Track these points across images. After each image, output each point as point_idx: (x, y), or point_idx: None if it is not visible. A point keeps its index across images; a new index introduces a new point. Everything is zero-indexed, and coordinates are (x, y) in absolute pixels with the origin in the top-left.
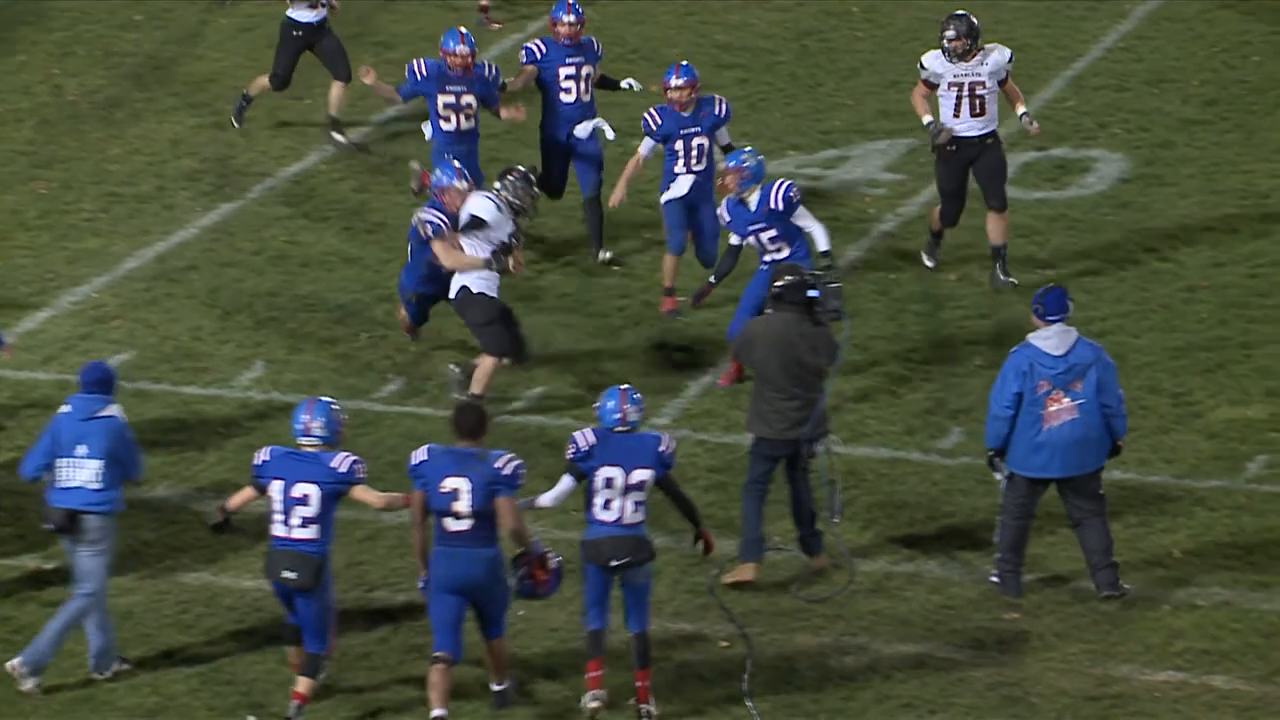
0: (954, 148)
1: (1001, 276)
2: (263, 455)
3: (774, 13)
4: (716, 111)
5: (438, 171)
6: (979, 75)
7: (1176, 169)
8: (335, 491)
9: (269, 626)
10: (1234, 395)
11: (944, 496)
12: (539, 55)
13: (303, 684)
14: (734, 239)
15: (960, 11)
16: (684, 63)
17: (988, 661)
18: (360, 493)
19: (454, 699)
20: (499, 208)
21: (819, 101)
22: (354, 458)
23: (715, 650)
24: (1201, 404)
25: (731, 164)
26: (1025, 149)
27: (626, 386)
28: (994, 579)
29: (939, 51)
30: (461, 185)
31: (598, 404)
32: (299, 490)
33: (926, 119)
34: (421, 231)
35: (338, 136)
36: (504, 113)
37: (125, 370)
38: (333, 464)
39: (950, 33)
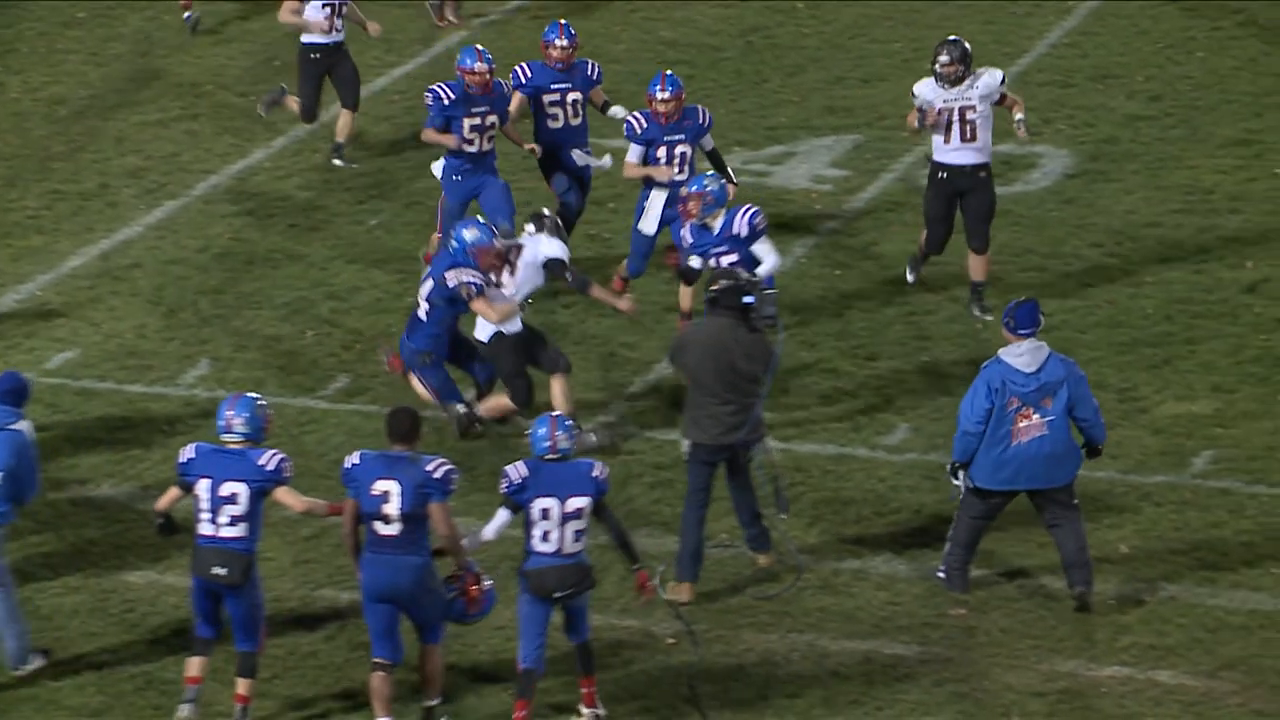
0: (944, 175)
1: (976, 311)
2: (187, 453)
3: (719, 9)
4: (700, 121)
5: (465, 234)
6: (969, 99)
7: (1121, 165)
8: (263, 490)
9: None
10: (1179, 391)
11: (890, 493)
12: (524, 80)
13: (242, 685)
14: (694, 261)
15: (953, 37)
16: (669, 72)
17: (934, 658)
18: (283, 494)
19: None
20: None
21: (764, 98)
22: (281, 455)
23: (662, 647)
24: (1147, 400)
25: (694, 189)
26: None
27: (557, 414)
28: (940, 574)
29: (930, 79)
30: (500, 245)
31: (529, 431)
32: (227, 489)
33: (914, 121)
34: (465, 294)
35: (338, 161)
36: (509, 132)
37: (70, 368)
38: (260, 461)
39: (944, 58)
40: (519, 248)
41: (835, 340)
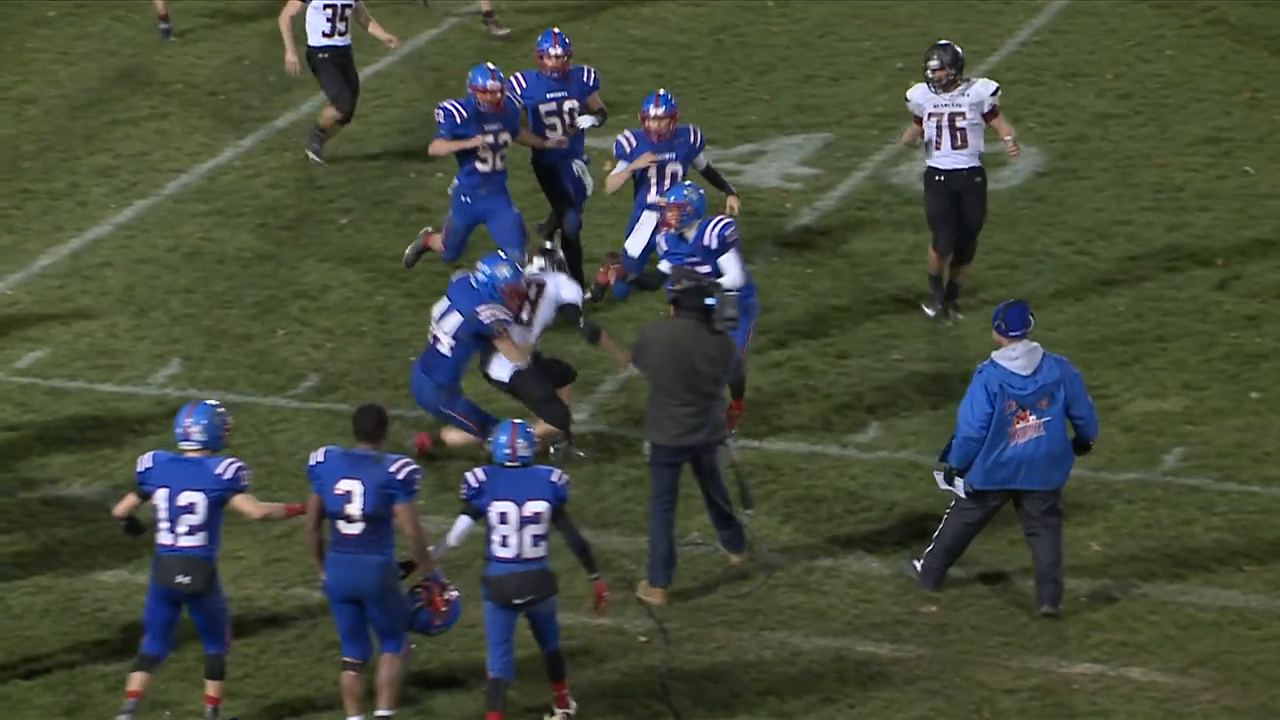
0: (941, 178)
1: (952, 310)
2: (145, 462)
3: (689, 7)
4: (692, 141)
5: (496, 270)
6: (959, 106)
7: (1091, 163)
8: (221, 499)
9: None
10: (1150, 388)
11: (862, 490)
12: (519, 90)
13: (211, 687)
14: (665, 265)
15: (944, 41)
16: (663, 91)
17: (906, 655)
18: (240, 501)
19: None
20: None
21: (734, 96)
22: (239, 464)
23: (634, 645)
24: (1118, 397)
25: (674, 199)
26: None
27: (518, 421)
28: (915, 566)
29: (923, 85)
30: (523, 283)
31: (490, 439)
32: (185, 498)
33: (904, 143)
34: (497, 330)
35: (311, 153)
36: (524, 137)
37: (40, 367)
38: (217, 470)
39: (934, 63)
40: (541, 286)
41: (806, 338)
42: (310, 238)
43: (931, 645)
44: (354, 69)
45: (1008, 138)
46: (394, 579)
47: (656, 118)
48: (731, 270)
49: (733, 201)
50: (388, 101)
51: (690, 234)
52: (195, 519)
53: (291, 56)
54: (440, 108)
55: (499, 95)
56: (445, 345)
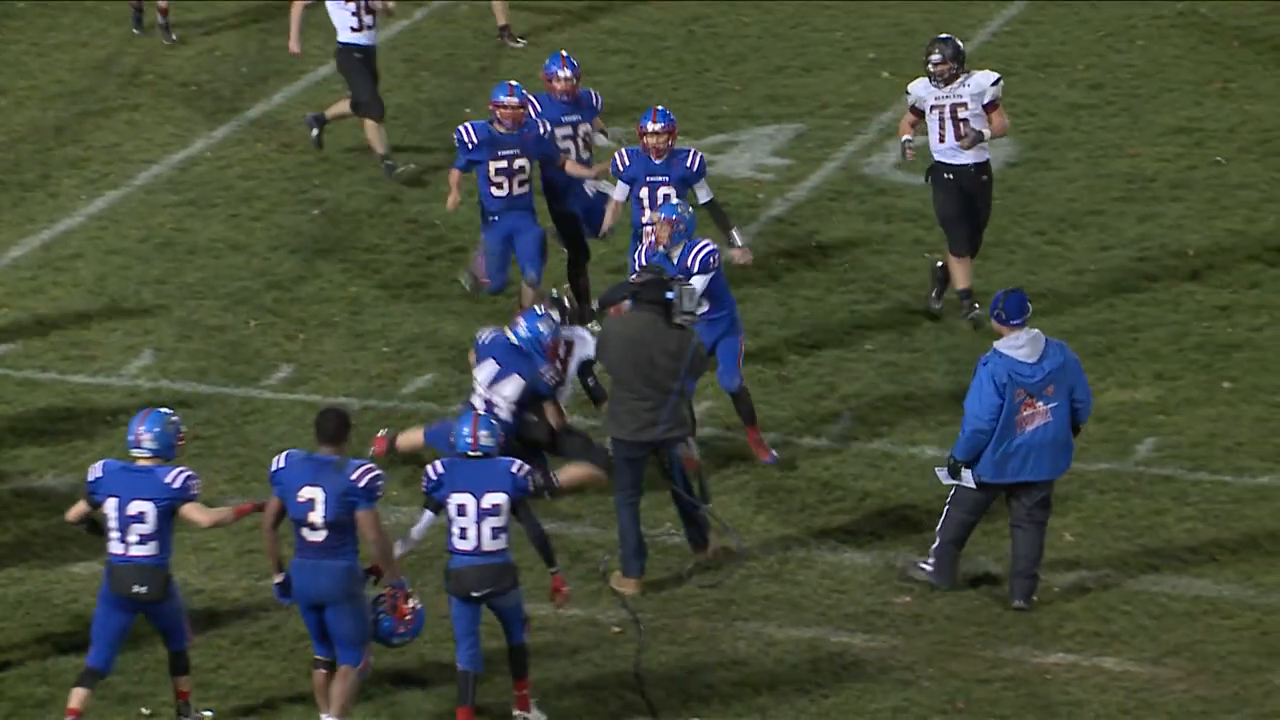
0: (950, 175)
1: (971, 312)
2: (96, 471)
3: None
4: (689, 164)
5: (540, 326)
6: (960, 97)
7: (1063, 153)
8: (170, 508)
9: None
10: (1122, 378)
11: (835, 481)
12: (535, 115)
13: (180, 682)
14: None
15: (944, 35)
16: (660, 107)
17: (880, 646)
18: (189, 510)
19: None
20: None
21: (706, 87)
22: (188, 473)
23: (607, 636)
24: (1090, 387)
25: (668, 215)
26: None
27: (480, 413)
28: (922, 566)
29: (924, 78)
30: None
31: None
32: (134, 508)
33: (904, 137)
34: (556, 391)
35: (313, 132)
36: (570, 168)
37: (12, 359)
38: (167, 480)
39: (935, 56)
40: (570, 343)
41: (779, 329)
42: (283, 228)
43: (905, 636)
44: (376, 67)
45: (987, 131)
46: (357, 585)
47: (654, 133)
48: (689, 300)
49: (736, 253)
50: None
51: (675, 254)
52: (145, 528)
53: (295, 45)
54: (456, 131)
55: (520, 111)
56: (506, 412)
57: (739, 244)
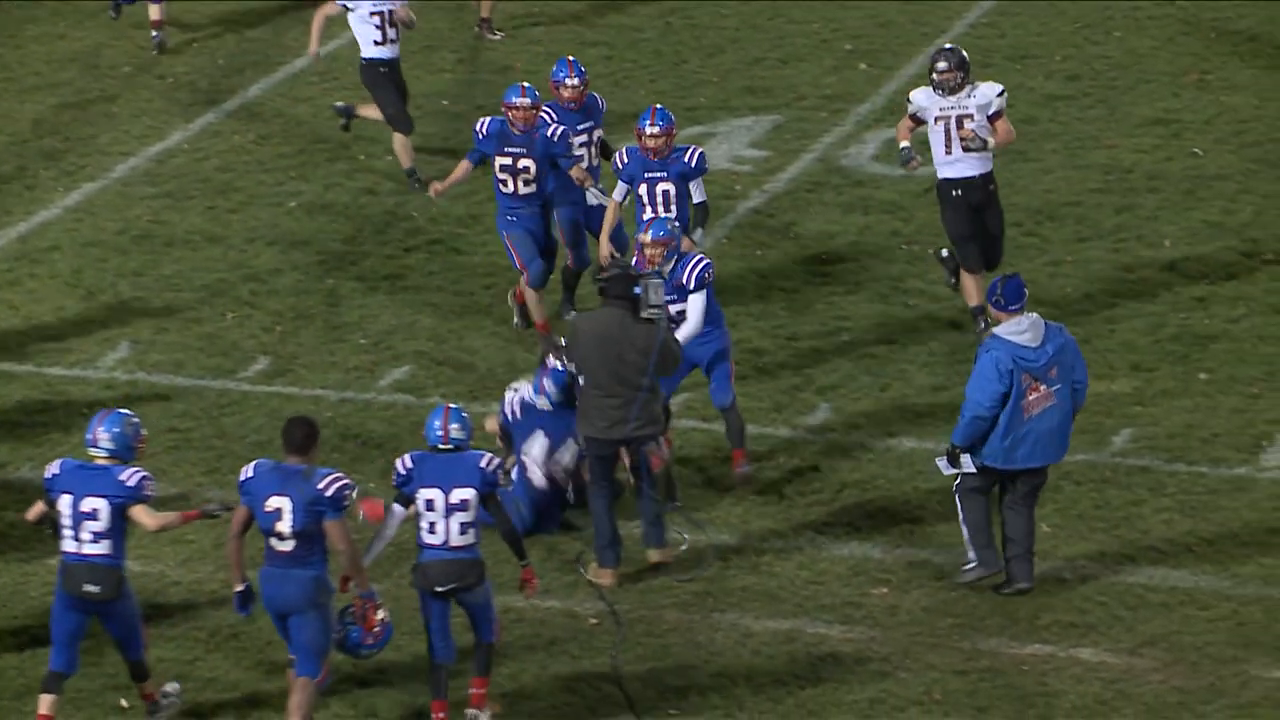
0: (958, 192)
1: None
2: (53, 469)
3: None
4: (687, 160)
5: (565, 380)
6: (966, 108)
7: (1040, 144)
8: (123, 506)
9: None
10: (1099, 370)
11: (812, 472)
12: (549, 122)
13: (145, 687)
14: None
15: (949, 45)
16: (659, 106)
17: (857, 636)
18: (138, 512)
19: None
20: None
21: (684, 78)
22: (143, 473)
23: (584, 628)
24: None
25: (661, 234)
26: (890, 125)
27: (453, 405)
28: (971, 567)
29: (926, 88)
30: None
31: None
32: (88, 505)
33: (903, 144)
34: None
35: (419, 187)
36: (576, 173)
37: None
38: (121, 477)
39: (941, 65)
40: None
41: (755, 320)
42: (259, 220)
43: (882, 627)
44: (402, 80)
45: (992, 141)
46: (324, 595)
47: (653, 135)
48: (695, 314)
49: (686, 242)
50: (336, 84)
51: (667, 270)
52: (98, 526)
53: (315, 48)
54: (474, 126)
55: (532, 113)
56: (538, 478)
57: (696, 241)
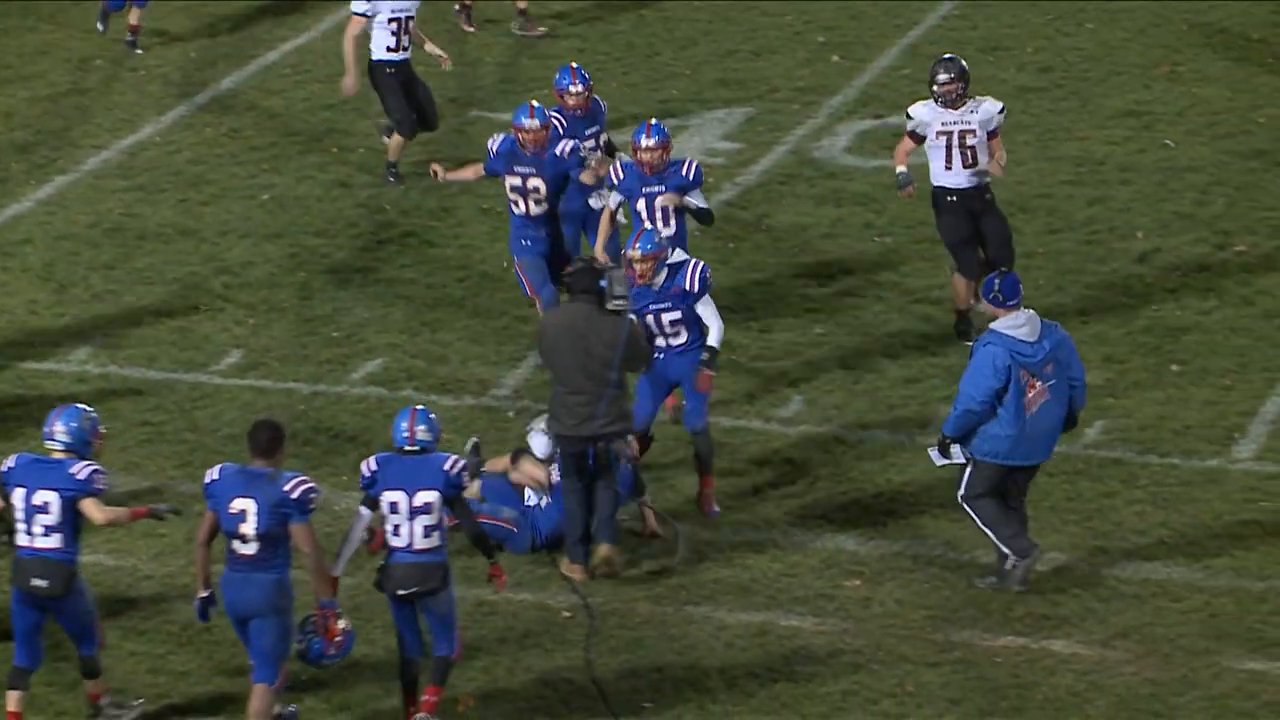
0: (954, 198)
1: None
2: (9, 462)
3: None
4: (683, 173)
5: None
6: (969, 124)
7: (1012, 136)
8: (74, 499)
9: (107, 602)
10: None
11: (785, 465)
12: (560, 131)
13: (91, 685)
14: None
15: (948, 55)
16: (654, 121)
17: (830, 629)
18: (88, 505)
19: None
20: None
21: (656, 70)
22: (95, 467)
23: (557, 620)
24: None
25: (650, 248)
26: (862, 117)
27: (420, 407)
28: (1011, 565)
29: (928, 101)
30: None
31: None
32: (39, 498)
33: (900, 168)
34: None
35: (392, 178)
36: (585, 177)
37: None
38: (72, 471)
39: (942, 76)
40: None
41: (729, 313)
42: (232, 214)
43: (855, 620)
44: (422, 84)
45: (996, 168)
46: (285, 600)
47: (648, 149)
48: (714, 321)
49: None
50: (308, 77)
51: (658, 280)
52: (50, 519)
53: (351, 80)
54: (489, 142)
55: (542, 134)
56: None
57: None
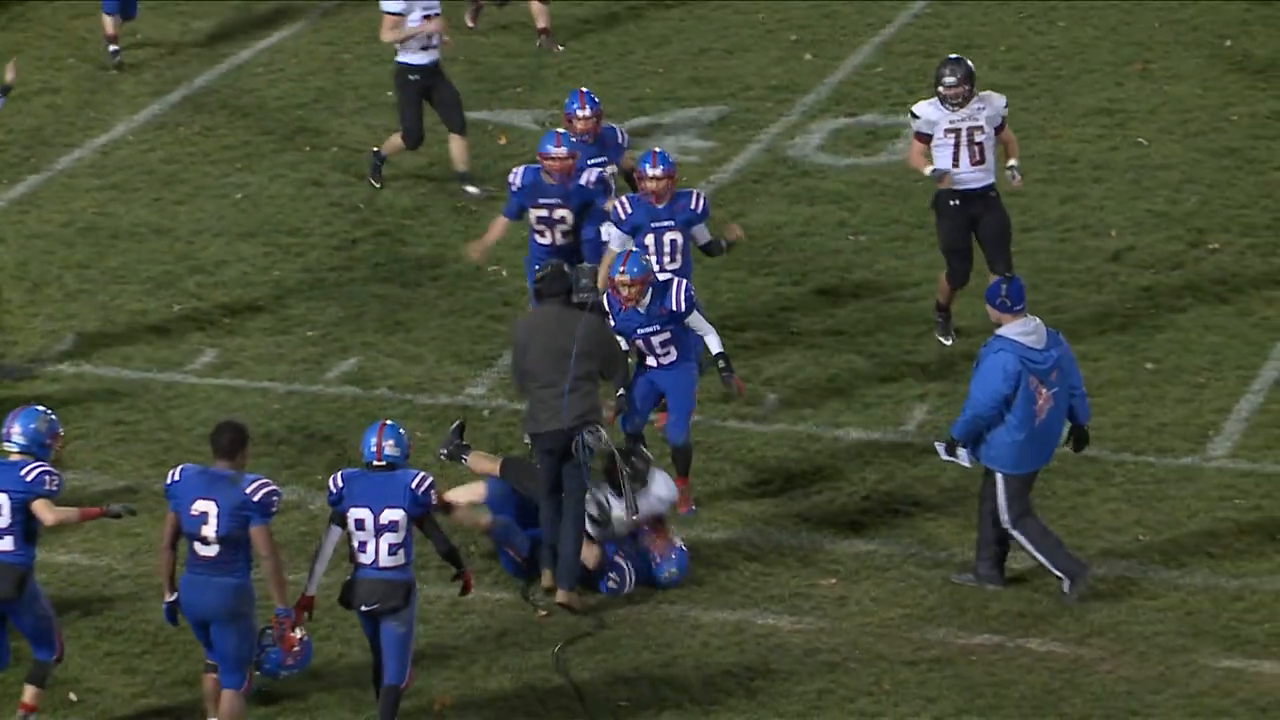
0: (956, 201)
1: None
2: None
3: None
4: (693, 206)
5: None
6: (977, 121)
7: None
8: (24, 501)
9: (82, 601)
10: None
11: (760, 463)
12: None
13: (29, 693)
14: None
15: (954, 55)
16: (659, 150)
17: (806, 628)
18: (38, 506)
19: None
20: None
21: (629, 69)
22: (45, 468)
23: (534, 619)
24: None
25: (636, 274)
26: (836, 115)
27: (390, 422)
28: (1065, 586)
29: (933, 101)
30: None
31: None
32: None
33: (928, 169)
34: None
35: (471, 189)
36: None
37: None
38: (22, 472)
39: (950, 79)
40: None
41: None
42: (205, 212)
43: (831, 618)
44: (449, 86)
45: (1013, 162)
46: (246, 604)
47: (654, 178)
48: (710, 332)
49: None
50: (281, 75)
51: (644, 303)
52: (1, 522)
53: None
54: (509, 177)
55: (569, 163)
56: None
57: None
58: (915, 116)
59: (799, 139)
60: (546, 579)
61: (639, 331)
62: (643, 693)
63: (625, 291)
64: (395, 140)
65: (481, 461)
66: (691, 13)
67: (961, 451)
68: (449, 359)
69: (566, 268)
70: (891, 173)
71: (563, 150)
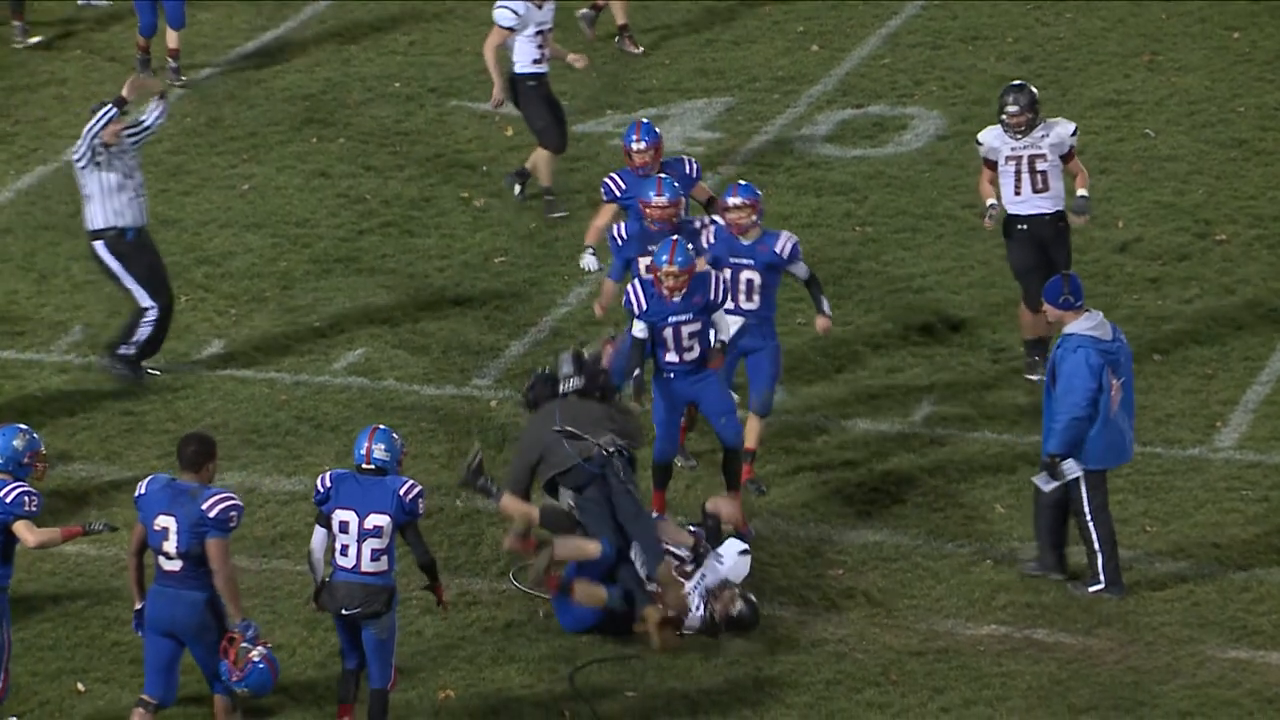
0: (1024, 227)
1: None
2: None
3: None
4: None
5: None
6: (1039, 148)
7: (992, 125)
8: (5, 523)
9: (89, 592)
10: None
11: (764, 456)
12: (618, 192)
13: None
14: (638, 330)
15: (1018, 81)
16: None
17: (814, 619)
18: (19, 528)
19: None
20: None
21: (635, 60)
22: (25, 489)
23: (541, 610)
24: (1020, 360)
25: (683, 264)
26: (843, 106)
27: (382, 426)
28: (1096, 582)
29: (995, 128)
30: None
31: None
32: None
33: (989, 202)
34: None
35: (559, 213)
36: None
37: None
38: (1, 494)
39: (1012, 107)
40: None
41: None
42: (212, 203)
43: (838, 609)
44: (555, 97)
45: (1082, 193)
46: (214, 617)
47: (735, 208)
48: (726, 321)
49: (822, 321)
50: (288, 67)
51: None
52: None
53: (499, 93)
54: (609, 234)
55: (671, 210)
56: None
57: (825, 312)
58: (979, 143)
59: (806, 130)
60: (650, 616)
61: (671, 320)
62: (649, 683)
63: (670, 282)
64: (544, 161)
65: (516, 505)
66: (698, 4)
67: (1067, 464)
68: (456, 349)
69: (546, 373)
70: (898, 164)
71: (664, 199)
